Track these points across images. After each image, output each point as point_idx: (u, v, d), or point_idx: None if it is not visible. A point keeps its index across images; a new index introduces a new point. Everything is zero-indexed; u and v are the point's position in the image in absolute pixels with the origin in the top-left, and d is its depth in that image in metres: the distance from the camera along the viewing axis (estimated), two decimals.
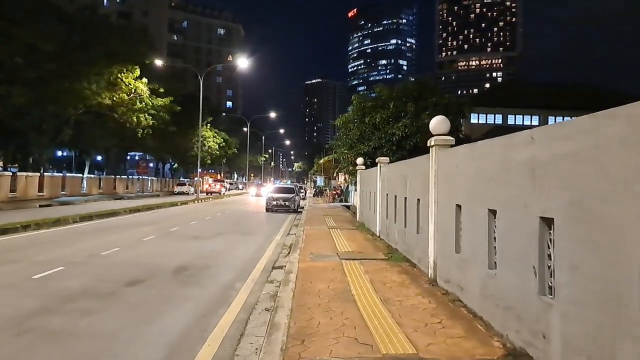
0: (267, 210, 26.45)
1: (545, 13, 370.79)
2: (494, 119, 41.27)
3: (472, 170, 5.72)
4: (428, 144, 7.52)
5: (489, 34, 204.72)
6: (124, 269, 8.89)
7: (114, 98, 33.75)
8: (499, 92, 48.88)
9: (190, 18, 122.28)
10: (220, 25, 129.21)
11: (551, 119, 41.92)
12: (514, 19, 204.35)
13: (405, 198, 9.74)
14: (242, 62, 37.06)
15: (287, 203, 26.37)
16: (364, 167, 18.14)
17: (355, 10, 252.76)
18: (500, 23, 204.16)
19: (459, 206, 6.25)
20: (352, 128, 19.05)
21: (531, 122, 41.39)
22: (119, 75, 32.98)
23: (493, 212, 5.09)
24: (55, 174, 36.46)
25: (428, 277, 7.54)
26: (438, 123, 7.34)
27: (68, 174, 40.50)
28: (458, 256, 6.22)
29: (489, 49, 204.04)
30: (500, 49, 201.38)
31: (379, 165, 13.39)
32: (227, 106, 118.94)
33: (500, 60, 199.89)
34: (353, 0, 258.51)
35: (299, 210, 26.93)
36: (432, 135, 7.53)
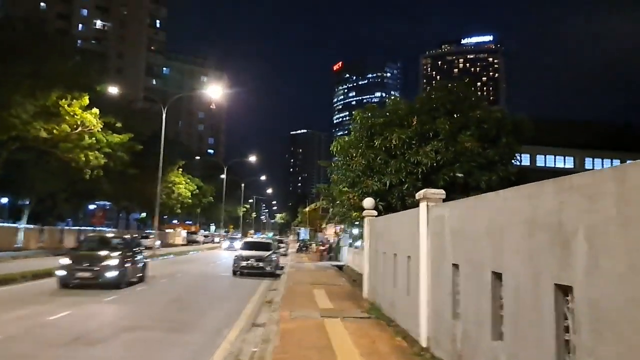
0: (235, 273, 19.67)
1: (527, 69, 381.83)
2: (520, 159, 34.50)
3: None
4: None
5: (472, 89, 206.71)
6: None
7: (54, 130, 27.29)
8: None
9: (172, 64, 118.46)
10: (203, 73, 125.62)
11: (588, 161, 35.67)
12: (496, 75, 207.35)
13: (569, 291, 3.40)
14: (215, 92, 31.42)
15: (261, 264, 19.58)
16: (375, 212, 11.86)
17: (340, 63, 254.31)
18: (483, 78, 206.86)
19: None
20: (354, 156, 12.83)
21: (564, 163, 35.00)
22: (60, 102, 26.65)
23: None
24: None
25: None
26: None
27: None
28: None
29: None
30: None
31: (423, 206, 6.96)
32: (209, 154, 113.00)
33: None
34: (338, 54, 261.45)
35: (276, 272, 20.20)
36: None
